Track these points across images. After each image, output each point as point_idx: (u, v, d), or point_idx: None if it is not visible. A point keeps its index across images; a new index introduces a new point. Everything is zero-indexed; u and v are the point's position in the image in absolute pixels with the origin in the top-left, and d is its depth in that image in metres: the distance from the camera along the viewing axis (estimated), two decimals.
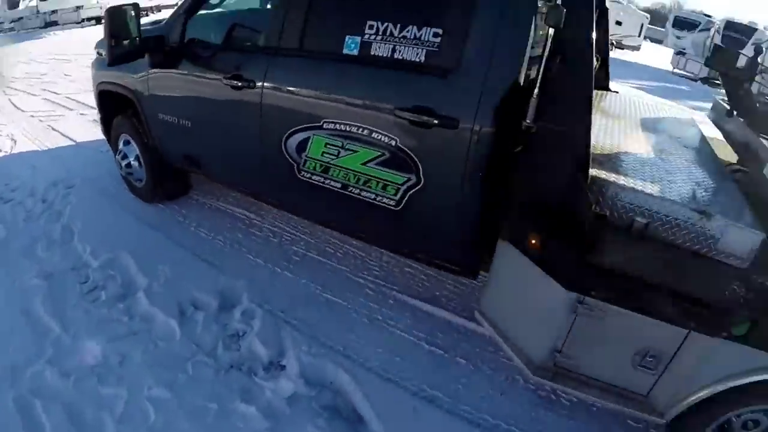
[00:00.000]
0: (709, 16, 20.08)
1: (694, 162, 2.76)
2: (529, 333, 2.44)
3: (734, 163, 3.15)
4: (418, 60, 2.46)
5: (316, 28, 2.78)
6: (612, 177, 2.20)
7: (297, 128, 2.81)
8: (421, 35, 2.44)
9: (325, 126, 2.71)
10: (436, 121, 2.40)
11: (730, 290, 2.04)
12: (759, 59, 3.31)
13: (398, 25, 2.48)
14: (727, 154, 3.20)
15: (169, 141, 3.69)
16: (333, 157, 2.74)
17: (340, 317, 3.12)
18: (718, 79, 18.68)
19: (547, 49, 2.12)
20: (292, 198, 3.20)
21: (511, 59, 2.32)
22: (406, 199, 2.62)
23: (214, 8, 3.83)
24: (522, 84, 2.36)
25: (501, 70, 2.32)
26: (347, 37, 2.62)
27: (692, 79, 19.36)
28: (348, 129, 2.65)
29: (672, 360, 2.17)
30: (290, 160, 2.90)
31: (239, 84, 2.97)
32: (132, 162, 3.97)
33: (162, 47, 3.32)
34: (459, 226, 2.62)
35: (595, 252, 2.07)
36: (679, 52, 20.35)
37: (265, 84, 2.89)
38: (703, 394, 2.16)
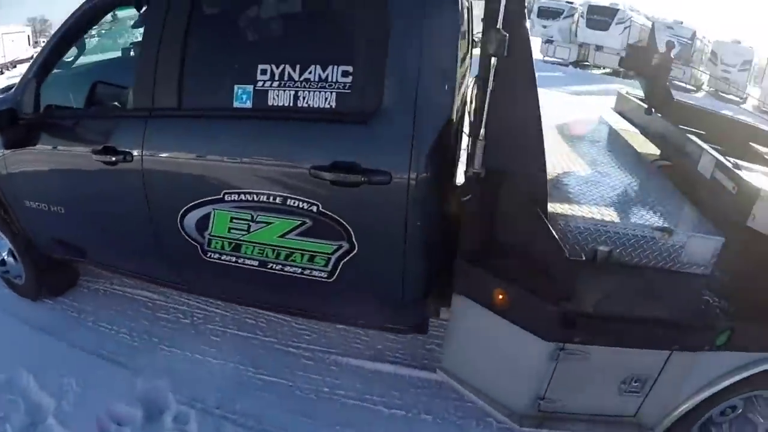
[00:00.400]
0: (571, 3, 20.69)
1: (626, 169, 2.73)
2: (507, 385, 2.15)
3: (658, 158, 3.23)
4: (328, 106, 1.93)
5: (196, 79, 2.16)
6: (567, 209, 2.06)
7: (192, 204, 2.17)
8: (327, 76, 1.91)
9: (227, 198, 2.09)
10: (363, 178, 1.89)
11: (705, 303, 1.98)
12: (671, 54, 3.13)
13: (297, 67, 1.94)
14: (644, 146, 3.24)
15: (43, 230, 2.90)
16: (243, 232, 2.14)
17: (283, 399, 2.59)
18: (587, 61, 19.57)
19: (491, 82, 1.64)
20: (202, 281, 2.58)
21: (442, 93, 1.87)
22: (339, 268, 2.11)
23: (71, 66, 3.05)
24: (456, 120, 1.88)
25: (432, 108, 1.87)
26: (236, 87, 2.03)
27: (563, 65, 20.02)
28: (256, 198, 2.06)
29: (657, 380, 2.03)
30: (191, 241, 2.27)
31: (113, 158, 2.27)
32: (5, 258, 3.14)
33: (15, 121, 2.53)
34: (404, 289, 2.16)
35: (572, 298, 1.85)
36: (548, 41, 21.00)
37: (145, 155, 2.22)
38: (690, 403, 2.07)
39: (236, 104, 2.03)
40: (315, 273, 2.15)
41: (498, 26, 1.62)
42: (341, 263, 2.09)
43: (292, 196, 2.00)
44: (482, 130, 1.72)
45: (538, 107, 1.82)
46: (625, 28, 18.13)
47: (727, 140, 2.96)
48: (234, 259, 2.23)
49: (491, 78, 1.67)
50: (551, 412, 2.11)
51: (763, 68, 18.19)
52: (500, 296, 1.93)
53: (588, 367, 1.95)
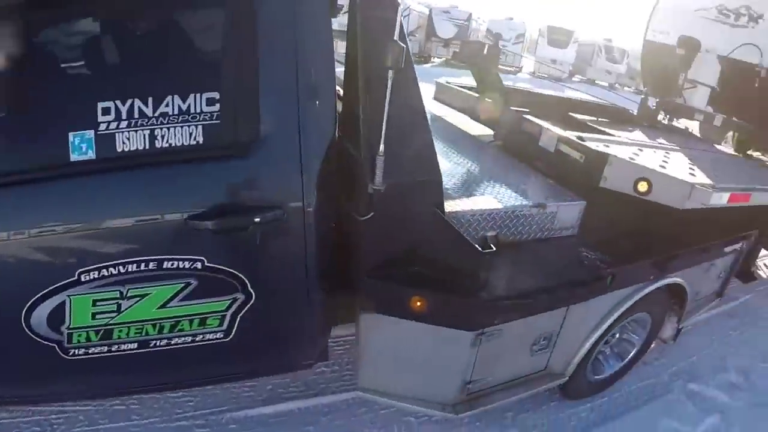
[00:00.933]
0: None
1: (475, 155, 2.88)
2: (434, 382, 2.22)
3: (493, 140, 3.43)
4: (194, 142, 1.60)
5: (10, 132, 1.60)
6: (452, 205, 2.12)
7: (38, 296, 1.63)
8: (188, 107, 1.58)
9: (83, 278, 1.62)
10: (252, 218, 1.63)
11: (586, 258, 2.29)
12: (500, 45, 3.38)
13: (149, 99, 1.56)
14: (477, 130, 3.46)
15: None
16: (112, 314, 1.69)
17: None
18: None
19: (388, 97, 1.54)
20: (67, 386, 1.99)
21: (324, 108, 1.68)
22: (237, 323, 1.83)
23: None
24: (340, 136, 1.74)
25: (316, 126, 1.68)
26: (71, 135, 1.54)
27: None
28: (122, 270, 1.63)
29: (560, 333, 2.30)
30: (44, 341, 1.72)
31: None
32: None
33: None
34: (311, 323, 2.01)
35: (488, 285, 1.97)
36: None
37: None
38: (588, 345, 2.42)
39: (74, 157, 1.55)
40: (209, 336, 1.83)
41: (395, 38, 1.49)
42: (238, 317, 1.81)
43: (169, 256, 1.65)
44: (381, 147, 1.58)
45: (425, 112, 1.77)
46: (404, 16, 18.81)
47: (551, 114, 3.27)
48: (106, 348, 1.77)
49: (389, 93, 1.53)
50: (478, 391, 2.24)
51: (535, 40, 20.64)
52: (418, 303, 1.92)
53: (504, 342, 2.10)
